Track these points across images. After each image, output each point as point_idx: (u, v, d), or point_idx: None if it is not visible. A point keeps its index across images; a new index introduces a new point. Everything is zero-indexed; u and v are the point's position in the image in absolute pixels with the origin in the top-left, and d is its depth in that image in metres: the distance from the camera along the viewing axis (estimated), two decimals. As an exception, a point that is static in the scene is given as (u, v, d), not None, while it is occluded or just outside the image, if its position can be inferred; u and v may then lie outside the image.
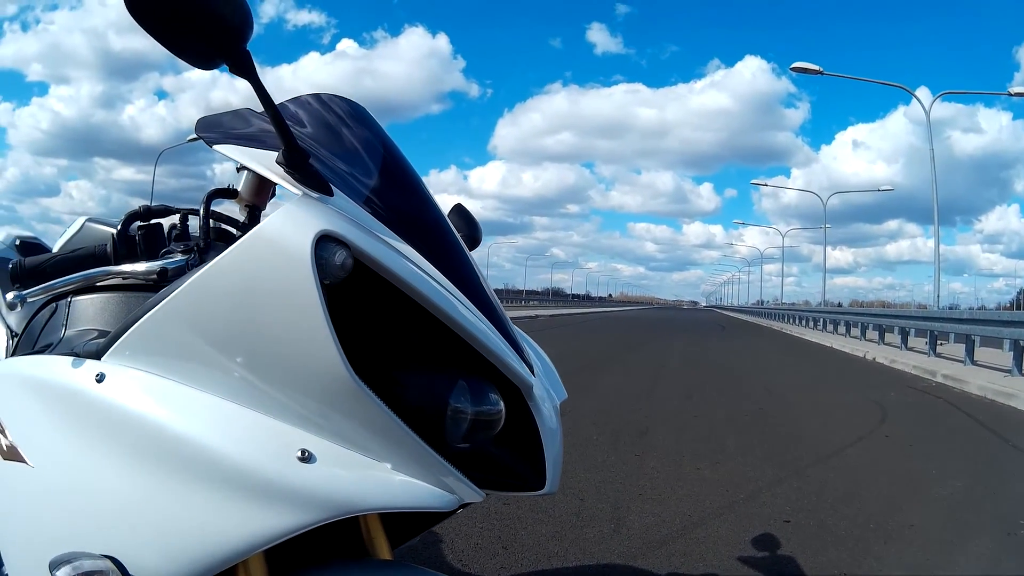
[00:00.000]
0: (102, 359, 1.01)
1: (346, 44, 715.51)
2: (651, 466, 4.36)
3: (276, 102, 0.97)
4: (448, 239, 1.13)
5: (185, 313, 0.94)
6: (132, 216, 1.22)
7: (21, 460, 1.07)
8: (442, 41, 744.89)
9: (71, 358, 1.07)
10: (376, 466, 0.90)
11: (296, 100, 1.19)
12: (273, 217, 0.92)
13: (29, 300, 1.21)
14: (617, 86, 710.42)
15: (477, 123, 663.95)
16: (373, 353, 0.95)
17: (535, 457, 1.03)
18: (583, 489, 3.72)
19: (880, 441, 5.61)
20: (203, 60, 0.92)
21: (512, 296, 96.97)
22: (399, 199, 1.11)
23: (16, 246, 2.31)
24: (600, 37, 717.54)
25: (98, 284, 1.25)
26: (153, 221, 1.24)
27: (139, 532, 0.92)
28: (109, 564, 0.91)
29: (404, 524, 1.28)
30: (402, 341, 1.01)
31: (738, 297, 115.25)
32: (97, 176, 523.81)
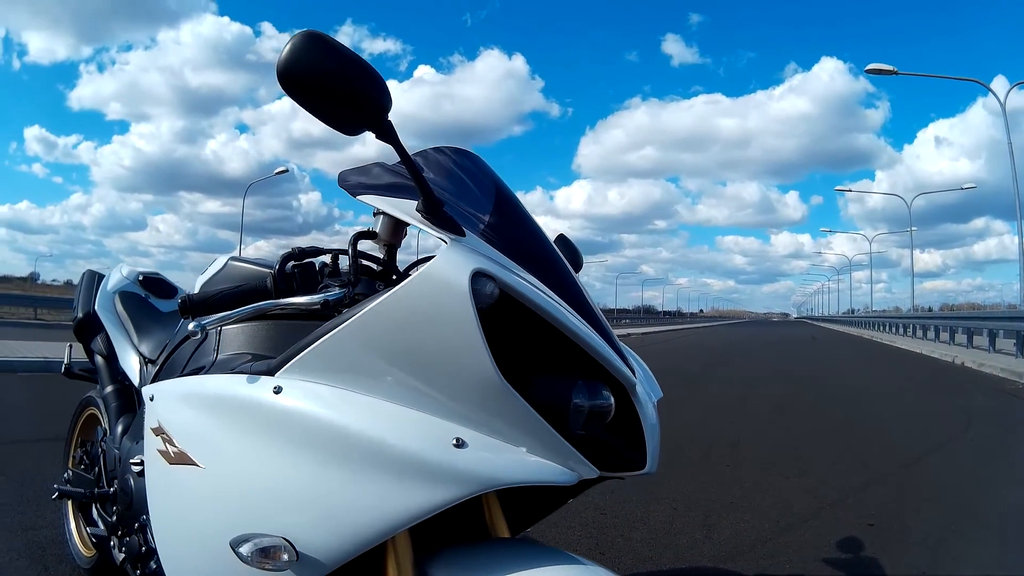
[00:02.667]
0: (276, 375, 1.13)
1: (423, 70, 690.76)
2: (741, 476, 4.37)
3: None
4: (558, 265, 1.23)
5: (362, 335, 1.07)
6: (287, 256, 1.32)
7: (191, 463, 1.20)
8: (519, 62, 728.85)
9: (246, 376, 1.19)
10: (514, 450, 1.03)
11: (422, 153, 1.31)
12: (436, 260, 1.04)
13: (208, 328, 1.31)
14: (696, 97, 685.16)
15: (559, 142, 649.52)
16: (513, 360, 1.06)
17: (639, 443, 1.15)
18: (676, 499, 3.77)
19: (965, 446, 5.45)
20: (351, 129, 1.06)
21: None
22: (515, 233, 1.22)
23: (140, 281, 2.46)
24: (676, 48, 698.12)
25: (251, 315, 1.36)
26: (306, 261, 1.35)
27: (311, 514, 1.05)
28: (284, 542, 1.04)
29: (521, 512, 1.40)
30: (536, 351, 1.13)
31: (828, 307, 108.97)
32: (183, 210, 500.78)
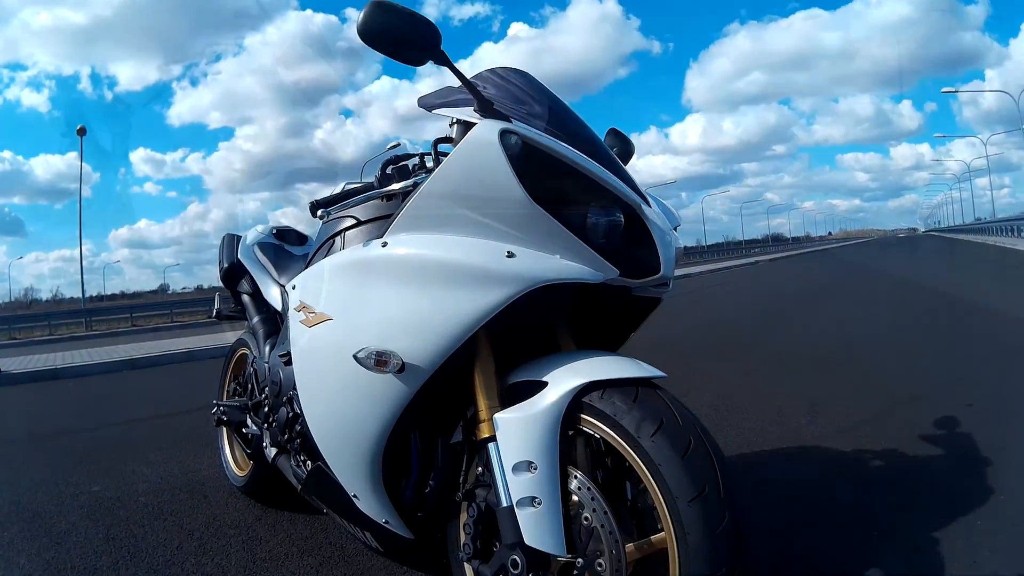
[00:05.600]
0: (383, 236, 1.41)
1: (517, 28, 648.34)
2: (851, 372, 4.39)
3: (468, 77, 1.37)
4: (596, 143, 1.48)
5: (435, 190, 1.34)
6: (387, 163, 1.56)
7: (326, 319, 1.48)
8: (610, 4, 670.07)
9: (361, 244, 1.48)
10: (551, 257, 1.27)
11: (479, 75, 1.53)
12: (475, 128, 1.31)
13: (333, 215, 1.63)
14: (795, 15, 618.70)
15: (666, 80, 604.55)
16: (549, 199, 1.29)
17: (656, 253, 1.38)
18: (784, 395, 3.86)
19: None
20: (416, 61, 1.30)
21: (732, 248, 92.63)
22: (556, 120, 1.44)
23: (274, 233, 2.72)
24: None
25: (363, 220, 1.63)
26: (401, 164, 1.58)
27: (411, 329, 1.31)
28: (392, 351, 1.31)
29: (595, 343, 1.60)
30: (564, 194, 1.35)
31: (954, 217, 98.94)
32: (302, 201, 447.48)
